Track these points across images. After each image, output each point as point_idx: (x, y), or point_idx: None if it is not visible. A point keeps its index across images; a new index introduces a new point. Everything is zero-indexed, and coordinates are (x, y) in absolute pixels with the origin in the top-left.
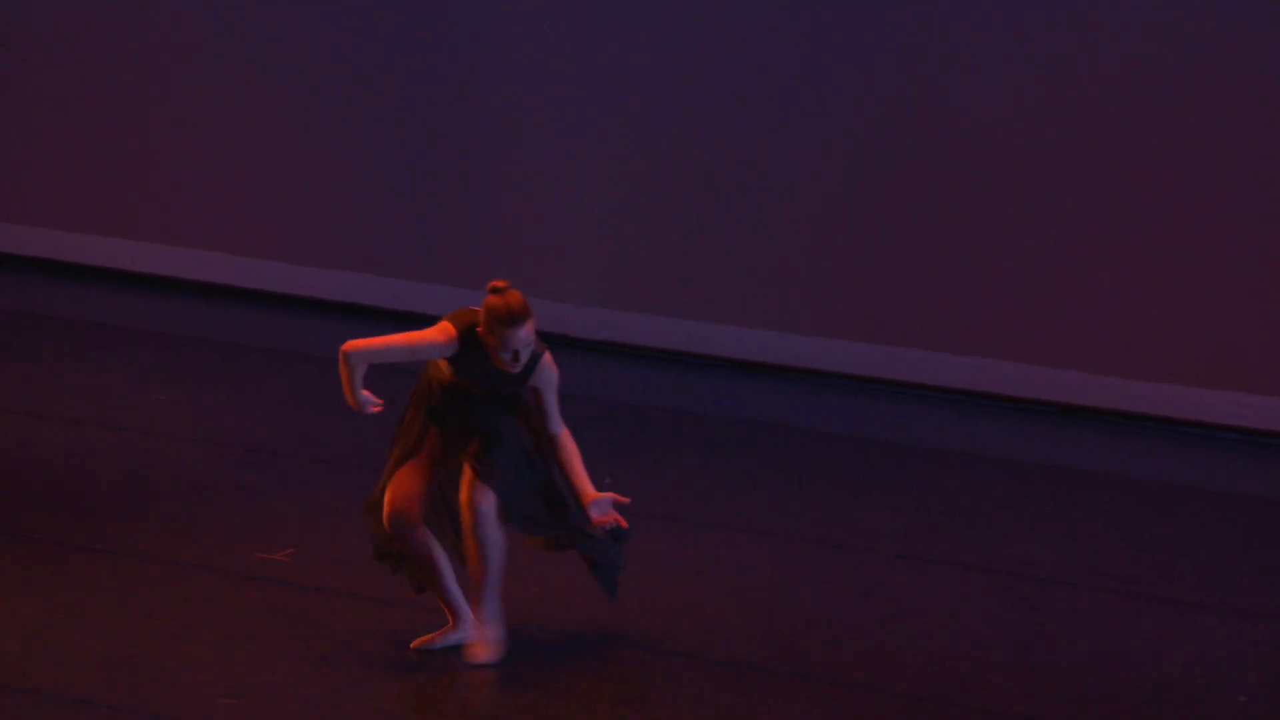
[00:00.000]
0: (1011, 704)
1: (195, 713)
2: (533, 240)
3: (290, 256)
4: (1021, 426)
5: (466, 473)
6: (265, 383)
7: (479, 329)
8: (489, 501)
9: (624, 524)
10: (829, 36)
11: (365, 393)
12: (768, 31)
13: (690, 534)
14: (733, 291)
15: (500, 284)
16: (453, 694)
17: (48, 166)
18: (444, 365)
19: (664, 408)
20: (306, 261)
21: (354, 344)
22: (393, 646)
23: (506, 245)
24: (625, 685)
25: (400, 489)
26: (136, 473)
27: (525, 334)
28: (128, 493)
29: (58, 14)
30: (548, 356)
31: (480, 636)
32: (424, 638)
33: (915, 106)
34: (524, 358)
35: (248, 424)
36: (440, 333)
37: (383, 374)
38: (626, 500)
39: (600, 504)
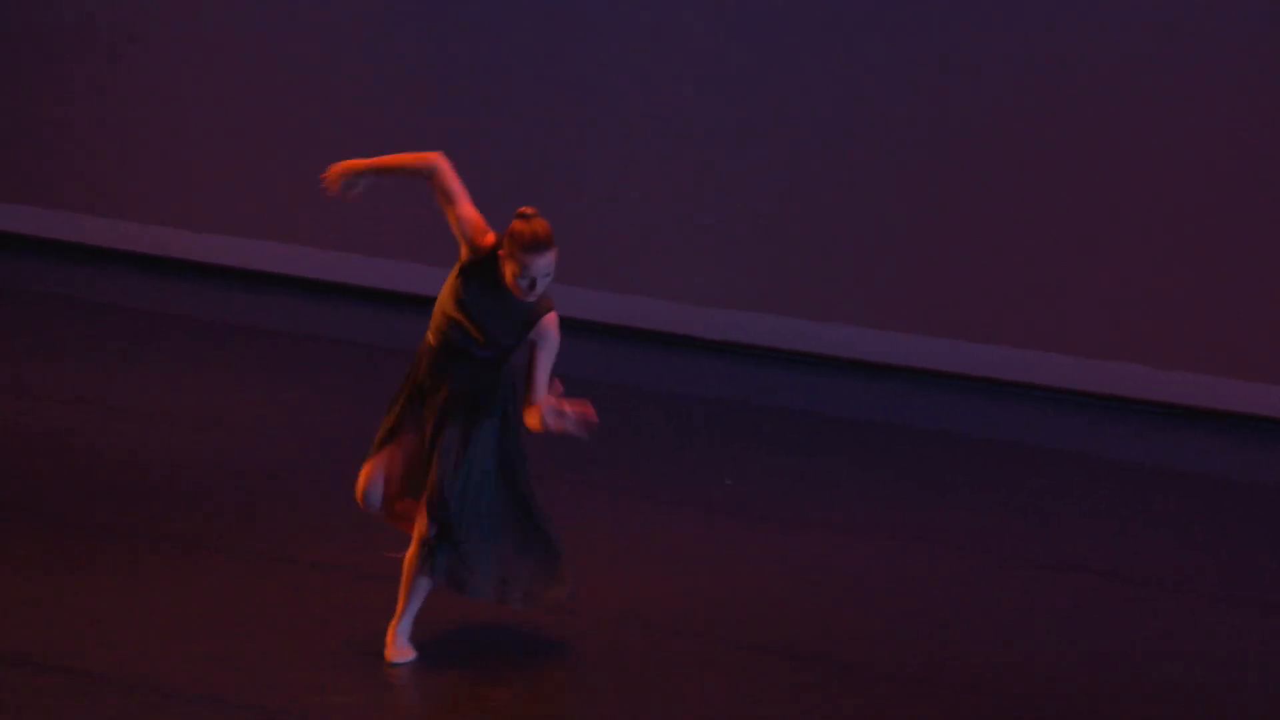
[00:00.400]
0: (1105, 705)
1: (312, 707)
2: (633, 238)
3: (418, 256)
4: (1123, 425)
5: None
6: (365, 378)
7: (501, 251)
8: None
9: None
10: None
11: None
12: (852, 33)
13: (785, 532)
14: (829, 289)
15: (528, 210)
16: (568, 694)
17: (164, 165)
18: (452, 291)
19: (777, 407)
20: (399, 257)
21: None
22: (507, 645)
23: (607, 242)
24: (722, 681)
25: (371, 472)
26: (254, 470)
27: (545, 263)
28: (244, 490)
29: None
30: (554, 316)
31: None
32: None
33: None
34: (540, 288)
35: (364, 422)
36: (482, 226)
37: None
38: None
39: (551, 412)
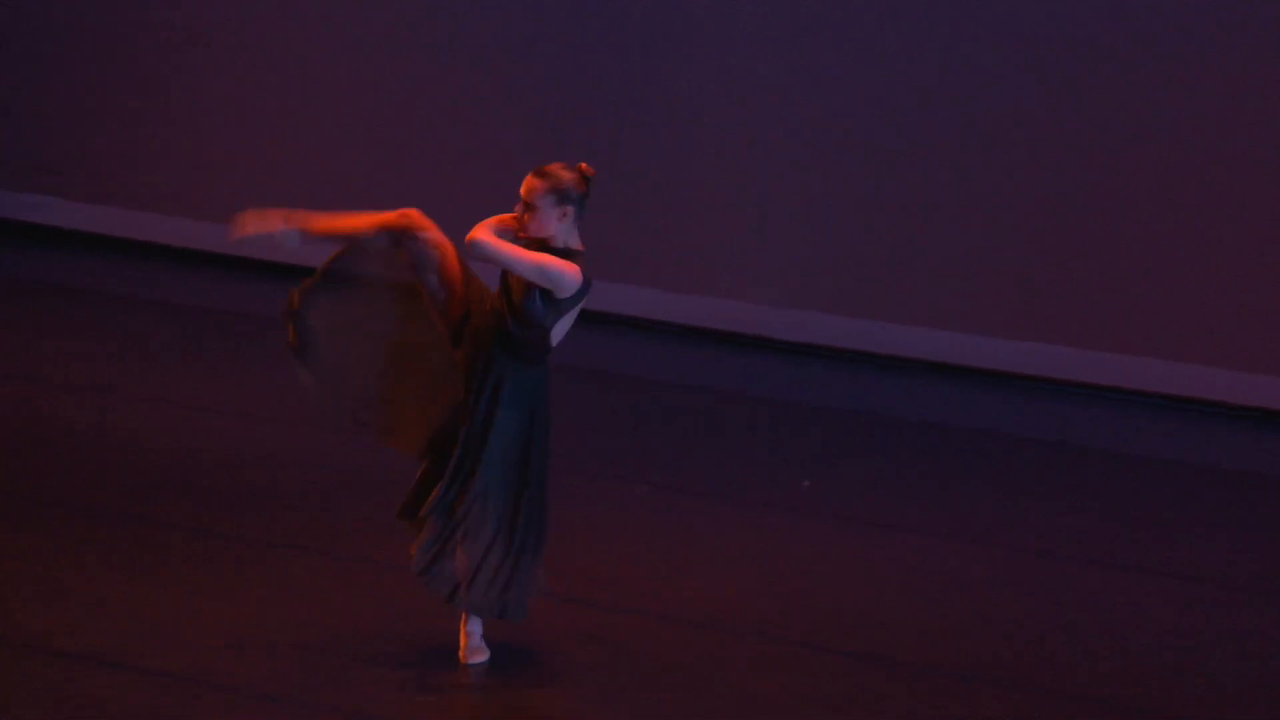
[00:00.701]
0: (1198, 710)
1: (392, 709)
2: (726, 241)
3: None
4: (1210, 430)
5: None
6: None
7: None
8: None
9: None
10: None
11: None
12: (952, 34)
13: (882, 536)
14: (916, 292)
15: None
16: (638, 695)
17: (233, 165)
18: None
19: (844, 409)
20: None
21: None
22: (591, 647)
23: (699, 246)
24: (807, 685)
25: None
26: (327, 470)
27: (528, 185)
28: (319, 489)
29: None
30: (574, 267)
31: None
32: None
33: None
34: (528, 215)
35: None
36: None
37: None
38: None
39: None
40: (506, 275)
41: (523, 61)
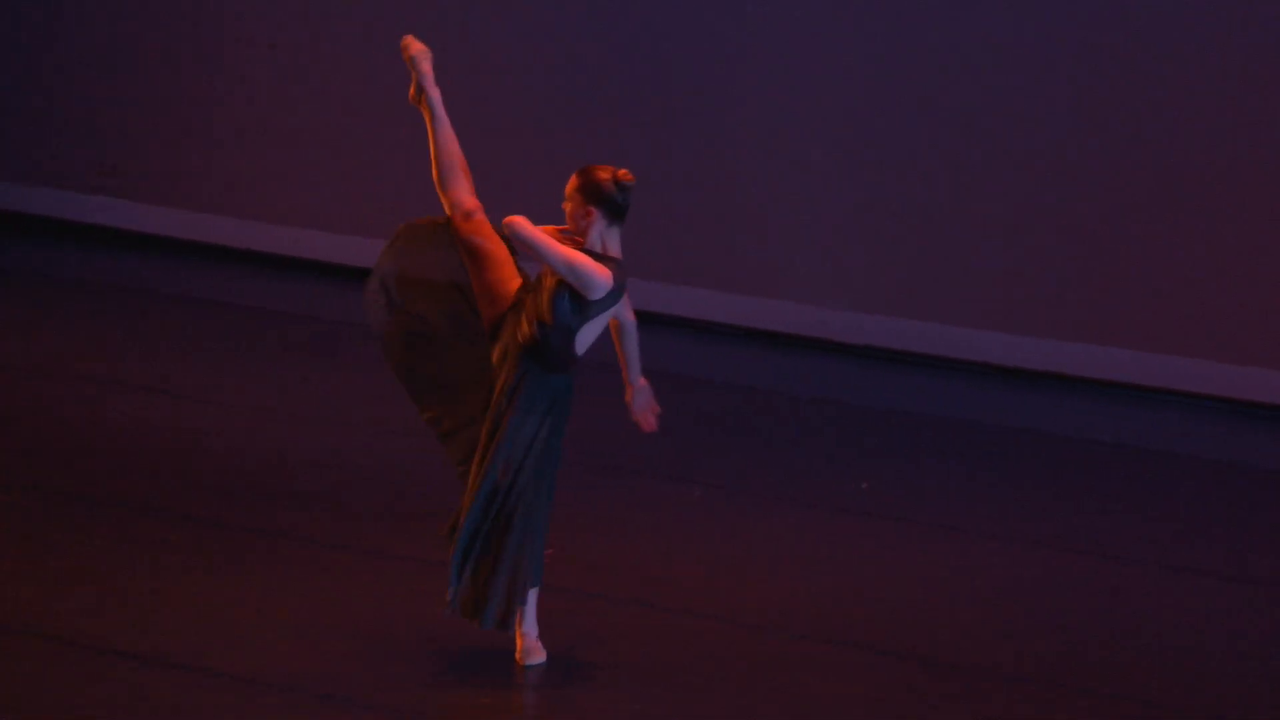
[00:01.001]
0: (1258, 714)
1: (451, 710)
2: (790, 243)
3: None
4: (1273, 434)
5: None
6: None
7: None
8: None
9: (652, 426)
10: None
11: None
12: (1021, 33)
13: (940, 539)
14: (982, 295)
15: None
16: (697, 696)
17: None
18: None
19: (918, 413)
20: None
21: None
22: (653, 647)
23: (763, 249)
24: (864, 688)
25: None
26: (396, 471)
27: (571, 180)
28: (386, 491)
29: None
30: (605, 269)
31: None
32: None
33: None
34: (569, 216)
35: None
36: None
37: None
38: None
39: (642, 392)
40: (540, 276)
41: (577, 67)
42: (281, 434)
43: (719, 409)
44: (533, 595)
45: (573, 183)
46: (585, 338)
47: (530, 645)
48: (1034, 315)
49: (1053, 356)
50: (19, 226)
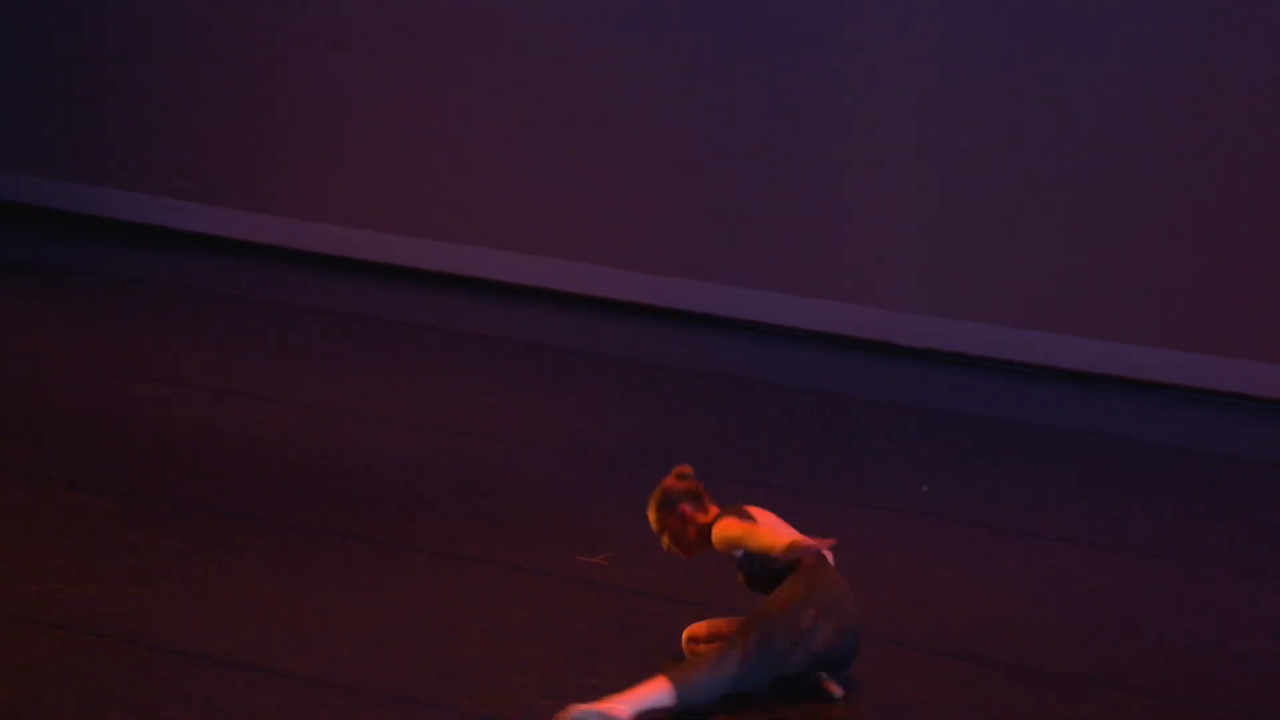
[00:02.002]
0: None
1: (519, 713)
2: (856, 246)
3: (617, 261)
4: None
5: None
6: (591, 386)
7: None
8: None
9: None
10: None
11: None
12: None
13: (1014, 543)
14: (1051, 298)
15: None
16: (777, 701)
17: (385, 168)
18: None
19: (986, 416)
20: (636, 267)
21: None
22: None
23: (830, 251)
24: (943, 694)
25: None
26: (465, 473)
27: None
28: (456, 493)
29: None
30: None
31: None
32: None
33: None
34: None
35: (573, 426)
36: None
37: None
38: None
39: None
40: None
41: (654, 63)
42: (352, 435)
43: (784, 411)
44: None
45: (657, 519)
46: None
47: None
48: (1105, 319)
49: (1123, 360)
50: (87, 227)
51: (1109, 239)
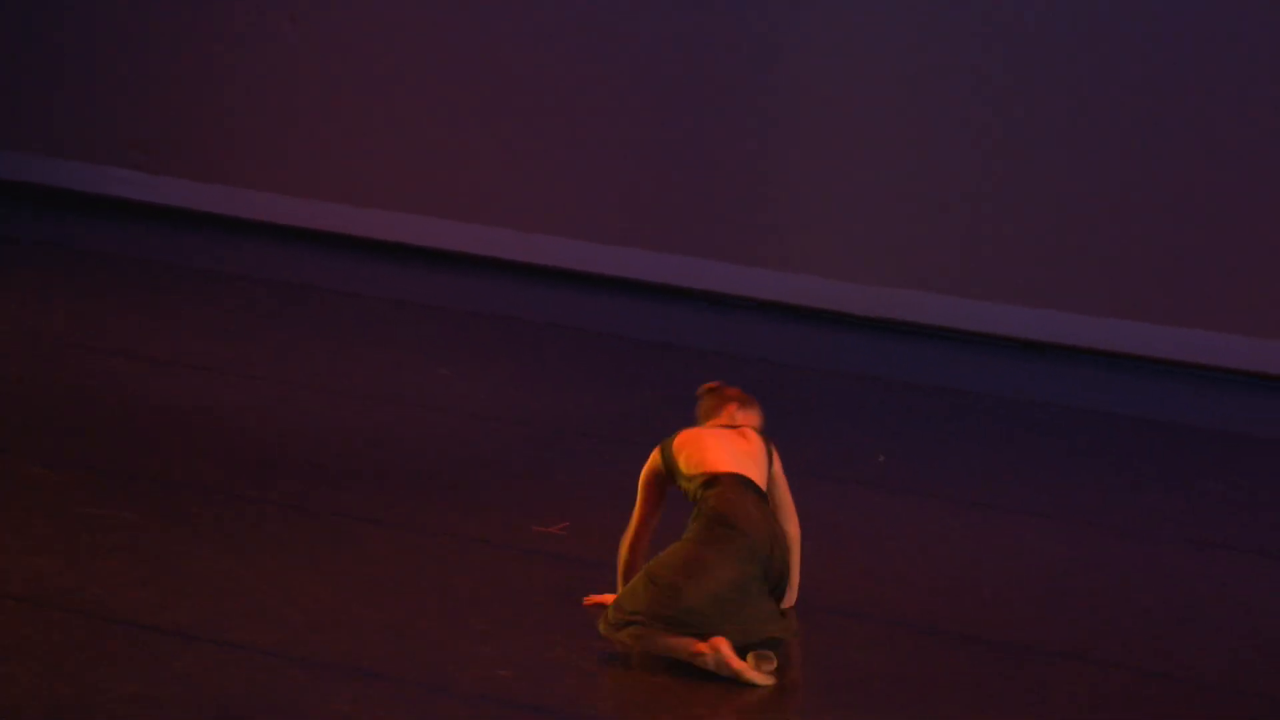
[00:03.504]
0: None
1: (476, 685)
2: (809, 217)
3: (573, 232)
4: None
5: None
6: (545, 358)
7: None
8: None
9: None
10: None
11: None
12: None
13: (968, 514)
14: (1001, 268)
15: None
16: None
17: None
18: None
19: (942, 387)
20: (592, 238)
21: None
22: None
23: (783, 222)
24: (901, 666)
25: None
26: (420, 445)
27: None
28: (410, 465)
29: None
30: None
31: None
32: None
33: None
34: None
35: (528, 398)
36: None
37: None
38: None
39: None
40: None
41: (609, 33)
42: (306, 407)
43: (741, 383)
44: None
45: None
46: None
47: None
48: (1055, 288)
49: (1075, 329)
50: (45, 199)
51: (1057, 208)
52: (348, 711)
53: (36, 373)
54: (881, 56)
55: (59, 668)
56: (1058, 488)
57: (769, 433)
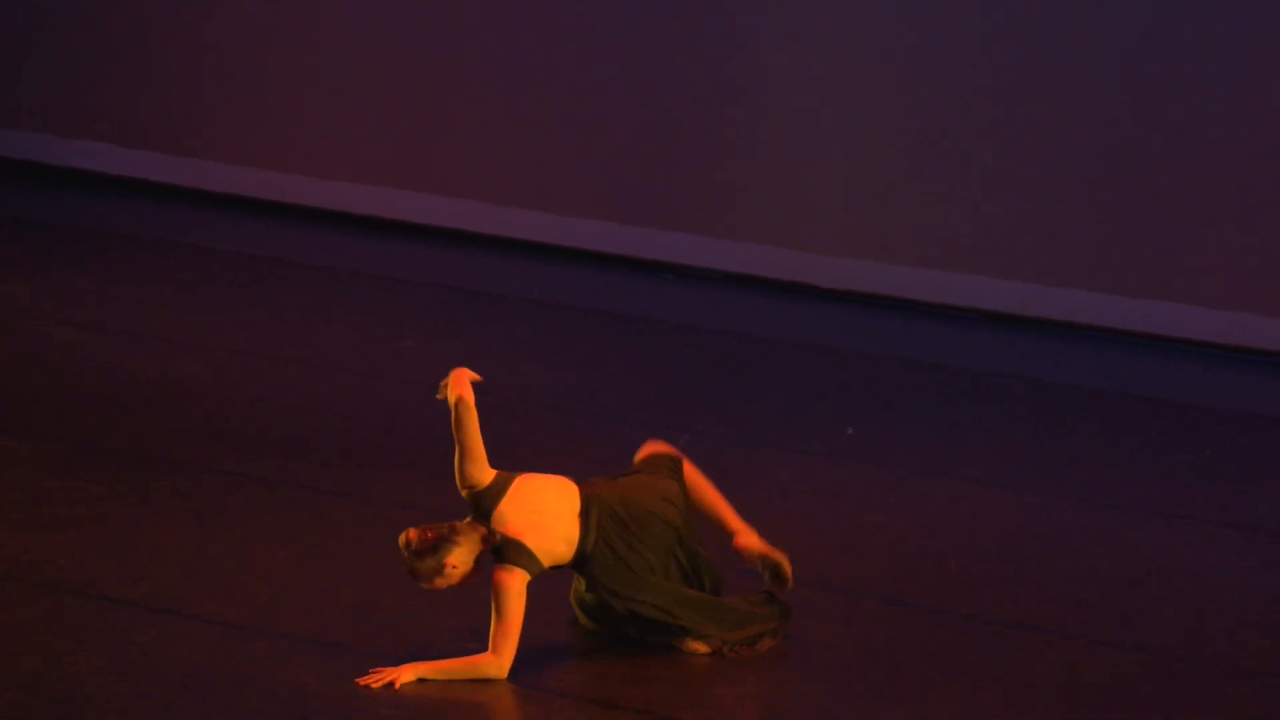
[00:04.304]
0: (1256, 661)
1: (444, 657)
2: (776, 188)
3: (538, 204)
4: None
5: None
6: (510, 330)
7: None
8: None
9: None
10: None
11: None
12: None
13: (935, 487)
14: (967, 240)
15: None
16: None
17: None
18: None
19: (910, 359)
20: (558, 210)
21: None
22: None
23: (750, 193)
24: (867, 638)
25: None
26: (383, 418)
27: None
28: (374, 438)
29: None
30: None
31: None
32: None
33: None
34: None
35: (492, 370)
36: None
37: None
38: None
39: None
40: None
41: (575, 3)
42: (270, 380)
43: (706, 355)
44: None
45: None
46: None
47: None
48: (1019, 260)
49: (1041, 301)
50: (9, 173)
51: (1022, 181)
52: (315, 684)
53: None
54: (851, 27)
55: (22, 640)
56: (1024, 460)
57: (737, 403)
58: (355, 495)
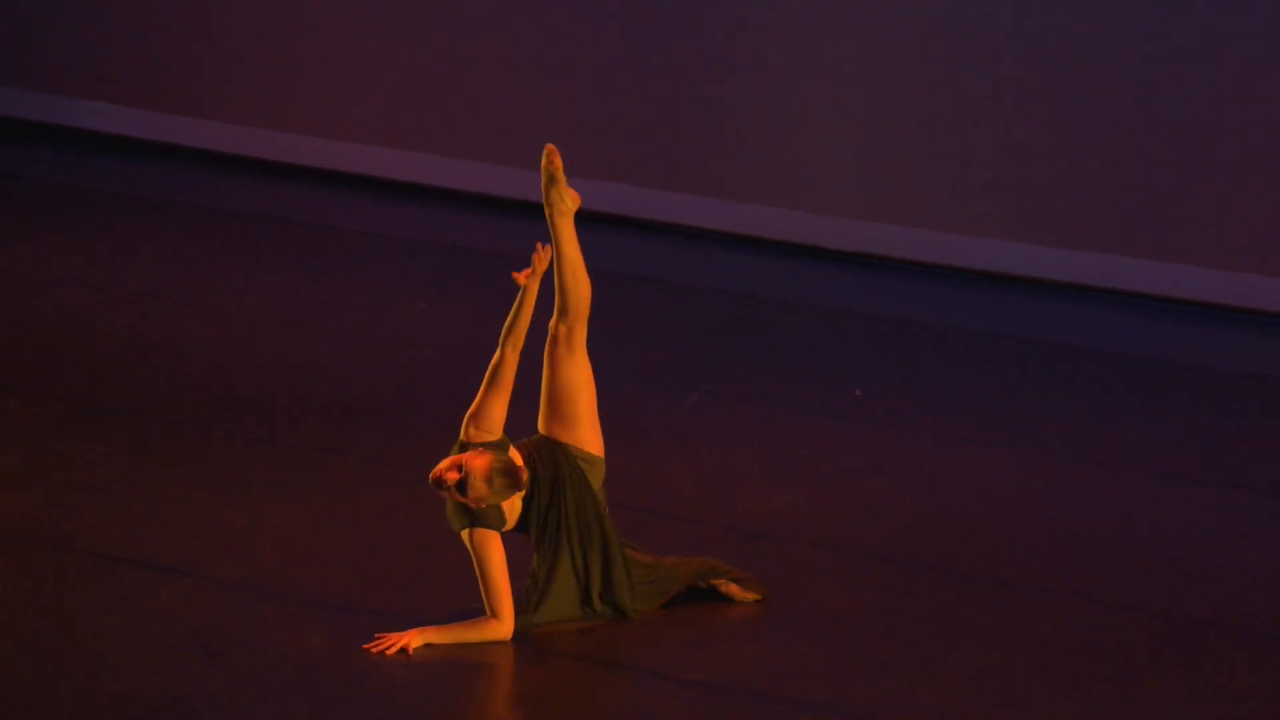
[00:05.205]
0: (1267, 623)
1: (445, 618)
2: (783, 149)
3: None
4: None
5: None
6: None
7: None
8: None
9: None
10: None
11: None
12: None
13: (942, 447)
14: (973, 202)
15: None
16: (704, 604)
17: (341, 80)
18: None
19: (916, 321)
20: (570, 172)
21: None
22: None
23: (758, 154)
24: (869, 597)
25: None
26: (394, 380)
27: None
28: (384, 400)
29: None
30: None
31: None
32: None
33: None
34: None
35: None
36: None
37: None
38: None
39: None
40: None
41: None
42: (280, 342)
43: (713, 316)
44: None
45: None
46: None
47: None
48: (1025, 222)
49: (1045, 263)
50: (12, 132)
51: (1029, 143)
52: (320, 645)
53: (4, 307)
54: None
55: (34, 601)
56: (1029, 421)
57: (745, 363)
58: (362, 456)
